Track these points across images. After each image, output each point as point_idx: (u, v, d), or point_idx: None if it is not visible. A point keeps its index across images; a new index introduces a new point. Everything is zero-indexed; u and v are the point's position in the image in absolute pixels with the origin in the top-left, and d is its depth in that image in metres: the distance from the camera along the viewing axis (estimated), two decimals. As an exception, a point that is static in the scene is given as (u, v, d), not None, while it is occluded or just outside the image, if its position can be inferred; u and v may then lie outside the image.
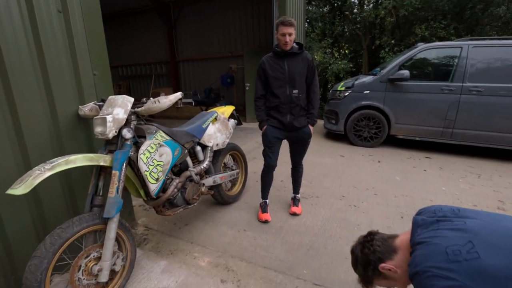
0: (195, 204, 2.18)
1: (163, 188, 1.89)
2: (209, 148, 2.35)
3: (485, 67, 4.16)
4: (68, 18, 1.71)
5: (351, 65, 8.76)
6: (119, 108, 1.58)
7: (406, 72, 4.43)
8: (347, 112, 4.99)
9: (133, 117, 1.69)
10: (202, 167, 2.24)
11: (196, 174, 2.17)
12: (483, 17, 7.81)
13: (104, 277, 1.49)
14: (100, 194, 1.63)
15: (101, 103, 1.74)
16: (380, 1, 7.89)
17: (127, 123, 1.64)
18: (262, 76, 2.33)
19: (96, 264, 1.50)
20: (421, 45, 4.65)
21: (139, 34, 9.98)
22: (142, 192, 1.81)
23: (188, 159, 2.17)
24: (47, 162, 1.35)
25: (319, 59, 8.95)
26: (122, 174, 1.53)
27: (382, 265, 1.05)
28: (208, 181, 2.33)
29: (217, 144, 2.43)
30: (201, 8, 8.71)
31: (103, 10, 1.96)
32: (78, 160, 1.40)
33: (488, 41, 4.27)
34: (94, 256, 1.50)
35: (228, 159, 2.82)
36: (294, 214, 2.61)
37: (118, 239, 1.65)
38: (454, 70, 4.31)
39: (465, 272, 0.79)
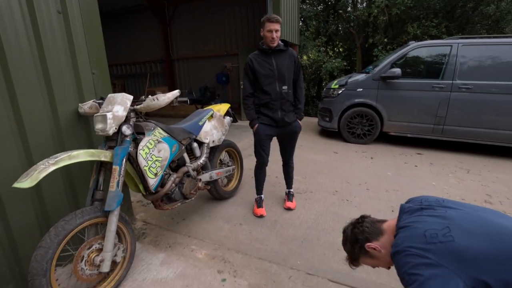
0: (193, 198, 2.25)
1: (162, 183, 1.96)
2: (206, 145, 2.42)
3: (474, 64, 4.27)
4: (68, 19, 1.77)
5: (345, 63, 8.87)
6: (119, 105, 1.64)
7: (397, 70, 4.53)
8: (341, 110, 5.08)
9: (132, 114, 1.75)
10: (199, 163, 2.30)
11: (193, 170, 2.24)
12: (473, 16, 7.97)
13: (106, 268, 1.56)
14: (101, 188, 1.69)
15: (100, 101, 1.80)
16: (373, 0, 7.99)
17: (126, 120, 1.71)
18: (250, 74, 2.34)
19: (98, 255, 1.56)
20: (412, 44, 4.76)
21: (133, 33, 9.97)
22: (141, 187, 1.88)
23: (185, 155, 2.24)
24: (51, 157, 1.41)
25: (313, 58, 9.04)
26: (122, 169, 1.60)
27: (368, 244, 1.14)
28: (205, 176, 2.40)
29: (213, 141, 2.50)
30: (196, 6, 8.74)
31: (98, 9, 2.01)
32: (81, 155, 1.47)
33: (477, 39, 4.39)
34: (96, 247, 1.56)
35: (224, 156, 2.89)
36: (289, 209, 2.69)
37: (118, 232, 1.71)
38: (444, 68, 4.42)
39: (439, 252, 0.88)
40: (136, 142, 1.78)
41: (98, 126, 1.63)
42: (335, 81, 5.46)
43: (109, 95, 1.74)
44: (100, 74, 2.01)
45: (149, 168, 1.77)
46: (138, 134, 1.83)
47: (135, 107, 1.76)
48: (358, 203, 2.87)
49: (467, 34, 8.13)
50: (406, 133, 4.84)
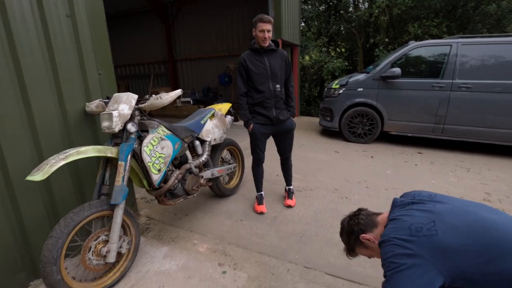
0: (195, 195, 2.33)
1: (165, 179, 2.04)
2: (207, 143, 2.50)
3: (474, 64, 4.30)
4: (75, 22, 1.85)
5: (346, 64, 8.91)
6: (124, 104, 1.72)
7: (397, 70, 4.57)
8: (342, 109, 5.13)
9: (137, 112, 1.83)
10: (200, 160, 2.38)
11: (195, 167, 2.31)
12: (474, 15, 7.97)
13: (111, 258, 1.64)
14: (107, 183, 1.77)
15: (106, 100, 1.88)
16: (374, 0, 8.03)
17: (131, 118, 1.79)
18: (243, 74, 2.37)
19: (104, 246, 1.64)
20: (412, 43, 4.79)
21: (137, 34, 10.11)
22: (145, 182, 1.96)
23: (188, 153, 2.31)
24: (60, 153, 1.49)
25: (315, 58, 9.09)
26: (128, 164, 1.68)
27: (363, 235, 1.21)
28: (207, 173, 2.48)
29: (214, 139, 2.58)
30: (198, 8, 8.84)
31: (102, 11, 2.10)
32: (88, 151, 1.55)
33: (477, 39, 4.42)
34: (102, 239, 1.65)
35: (225, 154, 2.96)
36: (289, 207, 2.75)
37: (123, 225, 1.79)
38: (444, 67, 4.45)
39: (421, 244, 0.94)
40: (140, 139, 1.86)
41: (105, 123, 1.71)
42: (336, 81, 5.52)
43: (115, 94, 1.82)
44: (106, 74, 2.10)
45: (152, 164, 1.85)
46: (142, 131, 1.92)
47: (140, 105, 1.84)
48: (357, 201, 2.92)
49: (468, 33, 8.13)
50: (407, 133, 4.87)
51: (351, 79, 5.16)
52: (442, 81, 4.45)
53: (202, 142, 2.50)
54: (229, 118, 2.82)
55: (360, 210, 1.33)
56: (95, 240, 1.62)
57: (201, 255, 2.06)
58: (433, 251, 0.92)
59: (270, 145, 2.78)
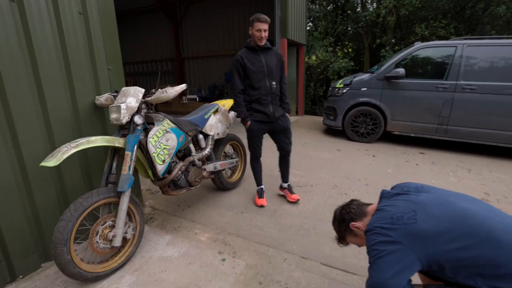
0: (197, 186, 2.42)
1: (169, 170, 2.13)
2: (211, 137, 2.59)
3: (479, 65, 4.30)
4: (87, 19, 1.96)
5: (352, 64, 8.91)
6: (132, 97, 1.82)
7: (401, 70, 4.60)
8: (345, 109, 5.18)
9: (143, 105, 1.93)
10: (204, 154, 2.47)
11: (199, 160, 2.41)
12: (483, 17, 7.88)
13: (117, 242, 1.74)
14: (114, 172, 1.88)
15: (115, 94, 1.98)
16: (381, 1, 8.01)
17: (138, 110, 1.89)
18: (240, 71, 2.41)
19: (110, 231, 1.75)
20: (418, 44, 4.81)
21: (145, 32, 10.27)
22: (150, 173, 2.06)
23: (191, 146, 2.40)
24: (72, 141, 1.60)
25: (321, 58, 9.12)
26: (134, 154, 1.78)
27: (353, 223, 1.28)
28: (209, 167, 2.57)
29: (217, 134, 2.67)
30: (206, 7, 8.95)
31: (112, 9, 2.20)
32: (98, 140, 1.65)
33: (483, 40, 4.41)
34: (109, 224, 1.75)
35: (228, 149, 3.05)
36: (297, 201, 2.76)
37: (129, 212, 1.89)
38: (448, 69, 4.46)
39: (401, 232, 1.01)
40: (146, 131, 1.96)
41: (113, 115, 1.81)
42: (340, 81, 5.56)
43: (123, 88, 1.92)
44: (115, 69, 2.20)
45: (157, 155, 1.94)
46: (148, 124, 2.01)
47: (146, 99, 1.94)
48: (355, 197, 2.89)
49: (477, 35, 8.05)
50: (409, 133, 4.90)
51: (355, 79, 5.20)
52: (446, 82, 4.46)
53: (206, 136, 2.59)
54: (232, 113, 2.90)
55: (352, 200, 1.41)
56: (102, 225, 1.72)
57: (202, 244, 2.15)
58: (412, 238, 0.99)
59: (271, 142, 2.85)
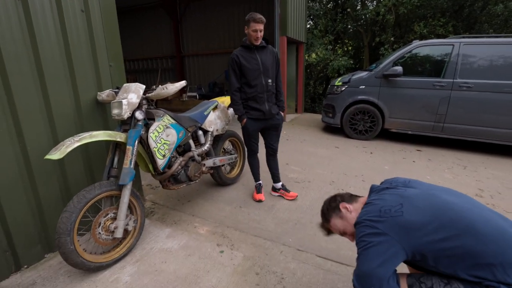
0: (197, 181, 2.48)
1: (169, 165, 2.19)
2: (210, 133, 2.64)
3: (475, 64, 4.34)
4: (90, 17, 2.01)
5: (351, 62, 8.95)
6: (133, 93, 1.88)
7: (399, 68, 4.64)
8: (344, 106, 5.23)
9: (144, 101, 1.98)
10: (203, 149, 2.53)
11: (198, 155, 2.46)
12: (481, 15, 7.92)
13: (119, 234, 1.80)
14: (116, 166, 1.93)
15: (116, 90, 2.04)
16: (381, -1, 8.06)
17: (139, 106, 1.94)
18: (236, 69, 2.45)
19: (112, 223, 1.80)
20: (415, 42, 4.85)
21: (146, 29, 10.30)
22: (150, 167, 2.11)
23: (191, 142, 2.46)
24: (75, 136, 1.65)
25: (321, 56, 9.15)
26: (135, 149, 1.83)
27: (343, 203, 1.33)
28: (209, 162, 2.62)
29: (217, 130, 2.72)
30: (206, 5, 8.97)
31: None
32: (100, 135, 1.71)
33: (479, 39, 4.45)
34: (111, 216, 1.81)
35: (227, 145, 3.10)
36: (295, 198, 2.81)
37: (130, 205, 1.95)
38: (445, 67, 4.50)
39: (388, 224, 1.06)
40: (147, 126, 2.01)
41: (115, 111, 1.86)
42: (339, 78, 5.60)
43: (124, 84, 1.98)
44: (116, 66, 2.25)
45: (158, 150, 2.00)
46: (149, 119, 2.07)
47: (147, 95, 1.99)
48: (352, 192, 3.02)
49: (475, 33, 8.09)
50: (407, 130, 4.95)
51: (353, 77, 5.25)
52: (443, 80, 4.51)
53: (205, 132, 2.64)
54: (231, 110, 2.95)
55: (343, 192, 1.46)
56: (104, 216, 1.78)
57: (201, 236, 2.21)
58: (398, 229, 1.04)
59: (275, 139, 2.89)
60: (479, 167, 3.98)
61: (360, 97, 5.08)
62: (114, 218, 1.82)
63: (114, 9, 2.21)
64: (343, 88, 5.26)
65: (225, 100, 2.90)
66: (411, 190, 1.18)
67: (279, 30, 6.24)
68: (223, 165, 2.97)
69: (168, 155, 2.09)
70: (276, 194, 2.92)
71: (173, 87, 1.97)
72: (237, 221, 2.45)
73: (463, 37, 4.61)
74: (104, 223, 1.78)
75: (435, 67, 4.66)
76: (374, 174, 3.57)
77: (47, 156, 1.51)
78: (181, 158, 2.28)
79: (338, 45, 11.35)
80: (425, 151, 4.63)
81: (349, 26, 10.75)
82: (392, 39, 8.55)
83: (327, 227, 1.41)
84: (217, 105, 2.77)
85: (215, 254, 2.01)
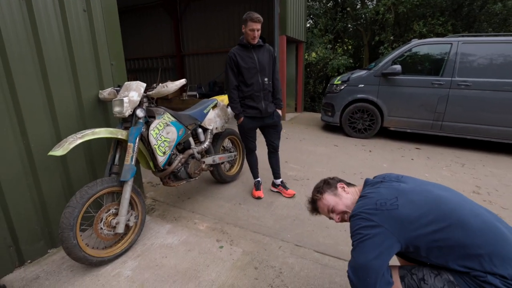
0: (196, 178, 2.52)
1: (169, 162, 2.23)
2: (209, 131, 2.68)
3: (473, 62, 4.37)
4: (91, 16, 2.04)
5: (351, 61, 8.98)
6: (134, 91, 1.91)
7: (398, 67, 4.67)
8: (343, 105, 5.26)
9: (145, 99, 2.02)
10: (203, 147, 2.56)
11: (198, 153, 2.50)
12: (480, 14, 7.94)
13: (120, 229, 1.84)
14: (117, 163, 1.97)
15: (118, 88, 2.07)
16: (380, -2, 8.09)
17: (140, 104, 1.98)
18: (234, 68, 2.47)
19: (114, 218, 1.84)
20: (414, 41, 4.88)
21: (146, 28, 10.32)
22: (151, 164, 2.15)
23: (191, 139, 2.49)
24: (77, 133, 1.69)
25: (320, 55, 9.18)
26: (136, 146, 1.87)
27: (341, 183, 1.38)
28: (208, 159, 2.66)
29: (216, 128, 2.76)
30: (206, 4, 8.99)
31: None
32: (102, 132, 1.74)
33: (477, 37, 4.48)
34: (112, 212, 1.85)
35: (227, 143, 3.14)
36: (294, 195, 2.85)
37: (131, 201, 1.99)
38: (444, 65, 4.53)
39: (384, 217, 1.09)
40: (148, 124, 2.05)
41: (116, 109, 1.90)
42: (338, 77, 5.63)
43: (126, 83, 2.01)
44: (117, 65, 2.29)
45: (158, 147, 2.03)
46: (150, 117, 2.10)
47: (148, 93, 2.03)
48: (350, 190, 3.06)
49: (474, 32, 8.11)
50: (406, 128, 4.98)
51: (353, 76, 5.27)
52: (441, 79, 4.53)
53: (205, 130, 2.68)
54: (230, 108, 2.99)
55: None
56: (106, 212, 1.82)
57: (201, 232, 2.25)
58: (393, 222, 1.08)
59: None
60: (477, 164, 4.01)
61: (359, 95, 5.11)
62: (116, 214, 1.86)
63: (116, 8, 2.25)
64: (342, 87, 5.29)
65: (225, 99, 2.94)
66: (405, 184, 1.21)
67: (278, 29, 6.26)
68: (222, 163, 3.01)
69: (168, 152, 2.13)
70: (275, 190, 2.96)
71: (173, 85, 2.01)
72: (236, 217, 2.49)
73: (462, 36, 4.64)
74: (106, 219, 1.82)
75: (433, 65, 4.69)
76: (372, 172, 3.60)
77: (51, 153, 1.55)
78: (181, 156, 2.32)
79: (338, 44, 11.37)
80: (424, 149, 4.66)
81: (349, 25, 10.78)
82: (391, 38, 8.58)
83: (315, 204, 1.42)
84: (216, 103, 2.80)
85: (214, 250, 2.04)
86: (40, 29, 1.76)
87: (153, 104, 2.16)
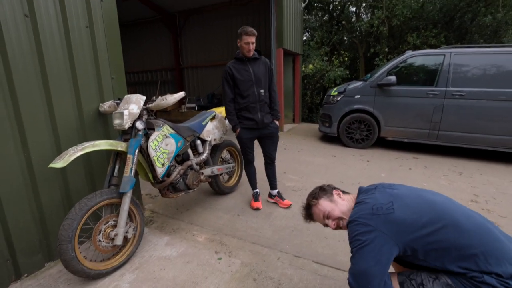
0: (195, 189, 2.53)
1: (168, 173, 2.24)
2: (208, 142, 2.71)
3: (467, 72, 4.47)
4: (93, 32, 2.11)
5: (347, 72, 9.14)
6: (134, 104, 1.95)
7: (393, 78, 4.76)
8: (340, 116, 5.32)
9: (144, 112, 2.06)
10: (201, 158, 2.59)
11: (196, 164, 2.52)
12: (471, 26, 8.18)
13: (119, 241, 1.83)
14: (116, 175, 1.99)
15: (118, 101, 2.11)
16: (374, 11, 8.31)
17: (140, 116, 2.01)
18: (230, 81, 2.55)
19: (112, 230, 1.84)
20: (408, 53, 4.99)
21: (145, 42, 10.52)
22: (150, 176, 2.17)
23: (189, 151, 2.52)
24: (78, 145, 1.71)
25: (317, 67, 9.34)
26: (135, 157, 1.89)
27: (337, 190, 1.40)
28: (207, 171, 2.68)
29: (214, 139, 2.79)
30: (205, 18, 9.21)
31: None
32: (102, 144, 1.77)
33: (469, 49, 4.60)
34: (111, 223, 1.85)
35: (225, 154, 3.17)
36: (290, 206, 2.86)
37: (130, 213, 1.99)
38: (438, 76, 4.62)
39: (381, 221, 1.12)
40: (147, 136, 2.08)
41: (116, 121, 1.94)
42: (335, 88, 5.72)
43: (126, 96, 2.05)
44: (118, 78, 2.34)
45: (157, 158, 2.06)
46: (149, 129, 2.14)
47: (147, 106, 2.07)
48: (349, 200, 3.07)
49: (466, 44, 8.30)
50: (403, 138, 5.02)
51: (349, 87, 5.36)
52: (436, 89, 4.62)
53: (203, 141, 2.71)
54: (228, 120, 3.03)
55: None
56: (105, 224, 1.82)
57: (200, 244, 2.24)
58: (390, 226, 1.10)
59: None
60: (475, 173, 4.04)
61: (355, 106, 5.18)
62: (114, 226, 1.86)
63: (117, 24, 2.32)
64: (339, 98, 5.36)
65: (223, 111, 2.98)
66: (398, 191, 1.24)
67: (275, 42, 6.40)
68: (221, 174, 3.02)
69: (167, 164, 2.15)
70: (272, 200, 2.97)
71: (172, 98, 2.05)
72: (235, 228, 2.49)
73: (454, 47, 4.76)
74: (105, 230, 1.82)
75: (428, 76, 4.78)
76: (370, 181, 3.62)
77: (51, 165, 1.57)
78: (179, 167, 2.34)
79: (334, 56, 11.60)
80: (421, 159, 4.69)
81: (345, 38, 11.02)
82: (386, 49, 8.78)
83: (310, 210, 1.42)
84: (214, 115, 2.84)
85: (213, 261, 2.03)
86: (43, 43, 1.81)
87: (152, 116, 2.19)
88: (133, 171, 1.88)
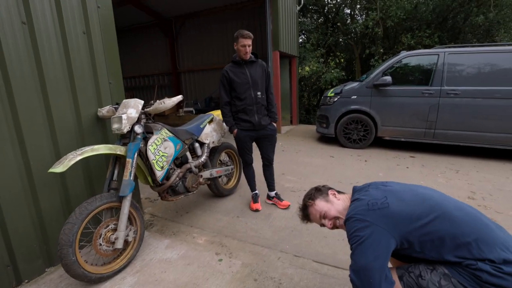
0: (194, 192, 2.54)
1: (167, 176, 2.26)
2: (206, 145, 2.73)
3: (461, 71, 4.53)
4: (91, 38, 2.13)
5: (343, 74, 9.22)
6: (132, 108, 1.97)
7: (388, 78, 4.81)
8: (337, 116, 5.35)
9: (143, 116, 2.07)
10: (200, 161, 2.60)
11: (195, 167, 2.53)
12: (464, 26, 8.29)
13: (119, 244, 1.84)
14: (116, 179, 2.00)
15: (116, 106, 2.13)
16: (369, 13, 8.41)
17: (138, 120, 2.03)
18: (226, 85, 2.59)
19: (112, 234, 1.85)
20: (403, 53, 5.05)
21: (142, 47, 10.56)
22: (149, 179, 2.18)
23: (188, 154, 2.54)
24: (77, 150, 1.73)
25: (314, 68, 9.41)
26: (134, 161, 1.91)
27: (332, 190, 1.42)
28: (206, 173, 2.69)
29: (213, 142, 2.80)
30: (201, 22, 9.27)
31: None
32: (101, 149, 1.78)
33: (462, 48, 4.66)
34: (111, 227, 1.85)
35: (224, 157, 3.18)
36: (288, 207, 2.87)
37: (130, 216, 2.00)
38: (433, 75, 4.68)
39: (377, 216, 1.14)
40: (146, 140, 2.10)
41: (115, 126, 1.95)
42: (331, 90, 5.76)
43: (124, 100, 2.07)
44: (115, 83, 2.36)
45: (156, 162, 2.07)
46: (148, 133, 2.15)
47: (146, 109, 2.09)
48: (347, 199, 3.09)
49: (459, 43, 8.41)
50: (400, 138, 5.06)
51: (345, 88, 5.41)
52: (431, 88, 4.67)
53: (202, 144, 2.73)
54: (226, 123, 3.05)
55: None
56: (105, 228, 1.83)
57: (200, 246, 2.25)
58: (386, 220, 1.12)
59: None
60: (471, 170, 4.08)
61: (352, 107, 5.22)
62: (115, 229, 1.87)
63: (114, 30, 2.34)
64: (336, 99, 5.40)
65: (220, 114, 3.00)
66: (391, 187, 1.27)
67: (271, 45, 6.45)
68: (220, 176, 3.04)
69: (166, 167, 2.17)
70: (270, 202, 2.99)
71: (170, 102, 2.07)
72: (235, 230, 2.50)
73: (448, 47, 4.82)
74: (105, 234, 1.82)
75: (423, 75, 4.83)
76: (368, 181, 3.59)
77: (51, 170, 1.58)
78: (178, 170, 2.35)
79: (330, 58, 11.69)
80: (418, 157, 4.73)
81: (340, 39, 11.12)
82: (381, 50, 8.87)
83: (306, 210, 1.44)
84: (212, 118, 2.87)
85: (213, 263, 2.04)
86: (41, 50, 1.83)
87: (150, 120, 2.21)
88: (132, 174, 1.89)
